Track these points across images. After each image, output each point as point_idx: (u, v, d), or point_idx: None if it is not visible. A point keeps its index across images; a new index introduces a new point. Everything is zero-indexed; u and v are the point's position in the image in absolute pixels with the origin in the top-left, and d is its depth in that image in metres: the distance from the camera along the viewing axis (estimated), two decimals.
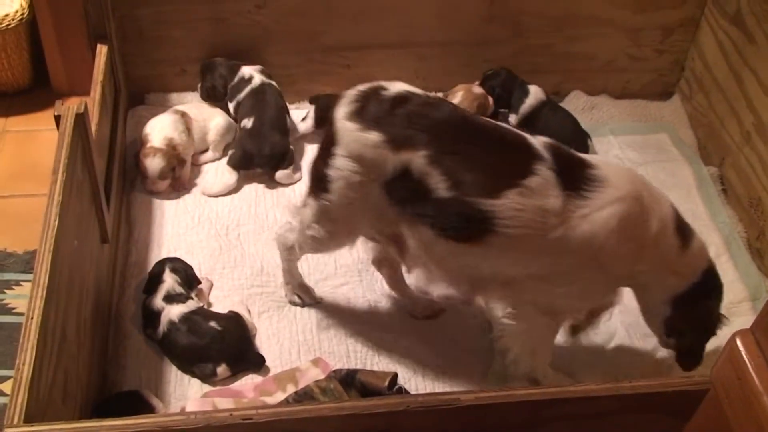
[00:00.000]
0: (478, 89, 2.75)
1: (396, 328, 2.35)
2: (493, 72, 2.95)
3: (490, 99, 2.81)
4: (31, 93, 3.21)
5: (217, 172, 2.74)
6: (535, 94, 2.88)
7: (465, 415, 1.48)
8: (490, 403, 1.48)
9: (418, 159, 1.81)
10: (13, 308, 2.38)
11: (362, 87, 1.92)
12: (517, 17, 2.95)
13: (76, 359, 1.83)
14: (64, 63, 3.11)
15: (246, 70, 2.81)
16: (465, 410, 1.46)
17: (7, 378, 2.17)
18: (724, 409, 1.48)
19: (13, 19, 2.90)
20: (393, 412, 1.44)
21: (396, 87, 1.91)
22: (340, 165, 1.91)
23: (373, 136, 1.83)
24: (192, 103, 2.84)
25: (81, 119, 1.91)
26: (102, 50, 2.40)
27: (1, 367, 2.21)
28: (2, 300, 2.40)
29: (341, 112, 1.90)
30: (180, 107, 2.77)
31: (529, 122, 2.83)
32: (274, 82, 2.82)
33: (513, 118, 2.89)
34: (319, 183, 2.00)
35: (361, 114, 1.87)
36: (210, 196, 2.66)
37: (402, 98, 1.87)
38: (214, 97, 2.85)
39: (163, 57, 2.85)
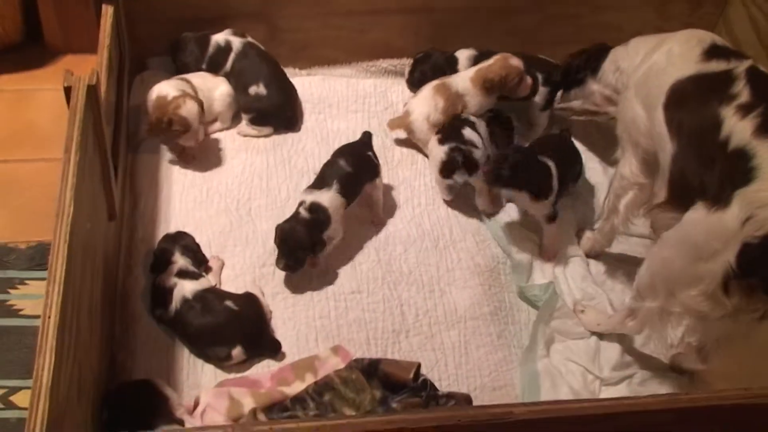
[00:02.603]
0: (516, 61, 2.58)
1: (417, 314, 2.26)
2: (423, 54, 2.77)
3: (529, 79, 2.59)
4: (23, 49, 3.02)
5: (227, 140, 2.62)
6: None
7: (517, 428, 1.39)
8: (543, 417, 1.39)
9: None
10: (20, 310, 2.23)
11: None
12: None
13: (88, 348, 1.72)
14: (59, 17, 2.93)
15: (219, 38, 2.67)
16: (517, 424, 1.37)
17: (18, 389, 2.05)
18: None
19: None
20: (443, 426, 1.35)
21: None
22: None
23: None
24: (194, 73, 2.67)
25: (93, 91, 1.76)
26: (108, 11, 2.22)
27: (10, 376, 2.07)
28: (7, 301, 2.23)
29: None
30: (184, 76, 2.60)
31: None
32: (250, 38, 2.69)
33: None
34: None
35: None
36: (246, 135, 2.63)
37: None
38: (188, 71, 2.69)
39: (168, 16, 2.67)
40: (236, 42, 2.66)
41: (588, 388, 2.18)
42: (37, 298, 2.33)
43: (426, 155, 2.62)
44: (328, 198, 2.26)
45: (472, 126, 2.52)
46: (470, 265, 2.38)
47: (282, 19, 2.76)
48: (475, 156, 2.43)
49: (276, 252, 2.24)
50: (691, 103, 1.98)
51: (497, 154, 2.35)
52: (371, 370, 2.05)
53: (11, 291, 2.30)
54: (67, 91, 1.77)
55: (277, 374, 2.07)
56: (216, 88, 2.63)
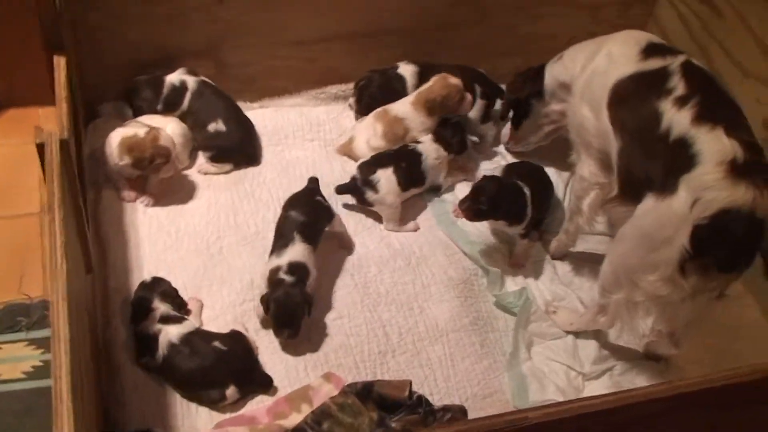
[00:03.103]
0: (454, 80, 2.64)
1: (400, 332, 2.29)
2: (365, 80, 2.78)
3: (469, 96, 2.65)
4: None
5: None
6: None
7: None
8: (556, 418, 1.44)
9: None
10: None
11: None
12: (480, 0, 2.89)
13: (88, 407, 1.69)
14: (2, 72, 2.87)
15: (173, 78, 2.67)
16: (535, 428, 1.42)
17: None
18: None
19: None
20: None
21: None
22: None
23: None
24: (144, 116, 2.65)
25: (65, 146, 1.74)
26: (60, 62, 2.19)
27: None
28: None
29: None
30: (138, 119, 2.59)
31: None
32: (203, 76, 2.70)
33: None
34: None
35: None
36: (206, 173, 2.63)
37: None
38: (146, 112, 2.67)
39: (116, 62, 2.65)
40: (191, 81, 2.66)
41: (572, 384, 2.26)
42: (13, 361, 2.28)
43: None
44: (299, 252, 2.22)
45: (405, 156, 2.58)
46: (444, 279, 2.43)
47: (229, 53, 2.77)
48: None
49: (257, 294, 2.24)
50: (632, 100, 2.10)
51: (474, 186, 2.36)
52: (365, 392, 2.07)
53: None
54: (40, 147, 1.74)
55: (272, 408, 2.07)
56: (166, 127, 2.59)
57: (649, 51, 2.19)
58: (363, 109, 2.80)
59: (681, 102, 2.01)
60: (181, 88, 2.64)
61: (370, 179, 2.49)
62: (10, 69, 2.82)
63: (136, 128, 2.46)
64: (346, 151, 2.72)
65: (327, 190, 2.51)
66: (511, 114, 2.76)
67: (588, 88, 2.29)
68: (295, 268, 2.20)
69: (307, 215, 2.31)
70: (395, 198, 2.51)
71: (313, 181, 2.47)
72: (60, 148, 1.72)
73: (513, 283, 2.46)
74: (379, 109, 2.70)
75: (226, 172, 2.64)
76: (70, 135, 1.78)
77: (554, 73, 2.52)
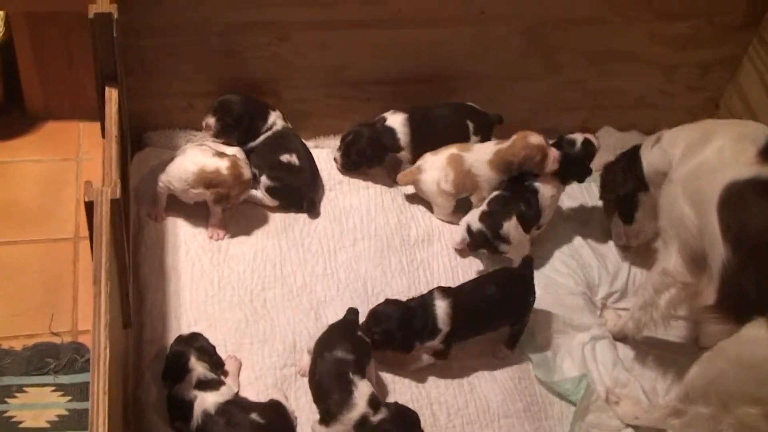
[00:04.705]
0: (535, 138, 2.45)
1: (448, 413, 2.15)
2: (353, 133, 2.58)
3: (553, 153, 2.44)
4: (1, 115, 2.83)
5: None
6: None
7: None
8: None
9: None
10: (20, 422, 2.03)
11: None
12: (553, 52, 2.74)
13: None
14: (41, 81, 2.76)
15: (273, 115, 2.56)
16: None
17: None
18: None
19: None
20: None
21: None
22: None
23: None
24: (202, 141, 2.52)
25: (116, 206, 1.60)
26: (112, 95, 2.05)
27: None
28: (5, 412, 2.05)
29: None
30: (203, 143, 2.46)
31: None
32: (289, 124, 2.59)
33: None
34: None
35: None
36: (252, 201, 2.48)
37: None
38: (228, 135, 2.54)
39: (166, 90, 2.52)
40: (279, 124, 2.55)
41: None
42: (38, 408, 2.15)
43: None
44: (365, 388, 1.98)
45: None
46: (495, 361, 2.28)
47: (286, 90, 2.64)
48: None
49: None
50: (752, 209, 1.91)
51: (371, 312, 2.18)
52: None
53: (9, 400, 2.12)
54: (88, 206, 1.60)
55: None
56: (228, 152, 2.45)
57: None
58: (350, 165, 2.60)
59: None
60: (270, 126, 2.53)
61: (500, 234, 2.38)
62: (50, 81, 2.69)
63: (215, 160, 2.32)
64: (410, 180, 2.56)
65: (379, 243, 2.39)
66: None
67: (693, 183, 2.07)
68: (373, 398, 1.96)
69: (354, 353, 2.03)
70: (527, 246, 2.44)
71: (353, 313, 2.18)
72: (111, 210, 1.58)
73: (571, 363, 2.30)
74: (454, 152, 2.53)
75: (273, 208, 2.50)
76: (121, 193, 1.63)
77: (652, 160, 2.30)
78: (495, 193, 2.49)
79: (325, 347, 2.04)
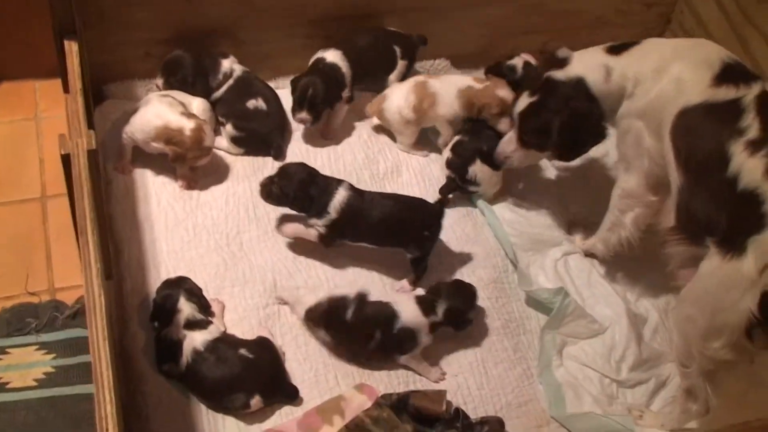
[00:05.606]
0: (504, 93, 2.48)
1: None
2: (310, 87, 2.45)
3: (508, 120, 2.42)
4: None
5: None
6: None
7: None
8: None
9: None
10: (7, 383, 2.05)
11: None
12: None
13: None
14: None
15: (226, 65, 2.52)
16: None
17: None
18: None
19: None
20: None
21: None
22: None
23: None
24: (166, 91, 2.49)
25: (92, 156, 1.60)
26: (72, 48, 2.02)
27: None
28: None
29: None
30: (167, 93, 2.43)
31: None
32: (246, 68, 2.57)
33: None
34: None
35: None
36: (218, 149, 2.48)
37: None
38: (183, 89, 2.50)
39: (124, 40, 2.48)
40: (238, 70, 2.52)
41: (606, 392, 2.19)
42: (23, 368, 2.17)
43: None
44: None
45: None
46: (473, 280, 2.33)
47: (245, 32, 2.61)
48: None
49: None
50: (698, 134, 1.92)
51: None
52: (401, 405, 2.01)
53: None
54: (65, 158, 1.59)
55: (303, 421, 1.99)
56: (192, 102, 2.45)
57: (723, 76, 1.94)
58: (317, 117, 2.52)
59: (753, 147, 1.82)
60: (227, 75, 2.51)
61: (467, 179, 2.46)
62: (1, 39, 2.63)
63: (181, 119, 2.30)
64: (377, 109, 2.59)
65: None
66: None
67: (651, 111, 2.05)
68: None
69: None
70: (498, 181, 2.50)
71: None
72: (88, 160, 1.58)
73: (546, 281, 2.36)
74: (420, 79, 2.56)
75: (239, 155, 2.50)
76: (98, 145, 1.62)
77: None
78: (457, 137, 2.52)
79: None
